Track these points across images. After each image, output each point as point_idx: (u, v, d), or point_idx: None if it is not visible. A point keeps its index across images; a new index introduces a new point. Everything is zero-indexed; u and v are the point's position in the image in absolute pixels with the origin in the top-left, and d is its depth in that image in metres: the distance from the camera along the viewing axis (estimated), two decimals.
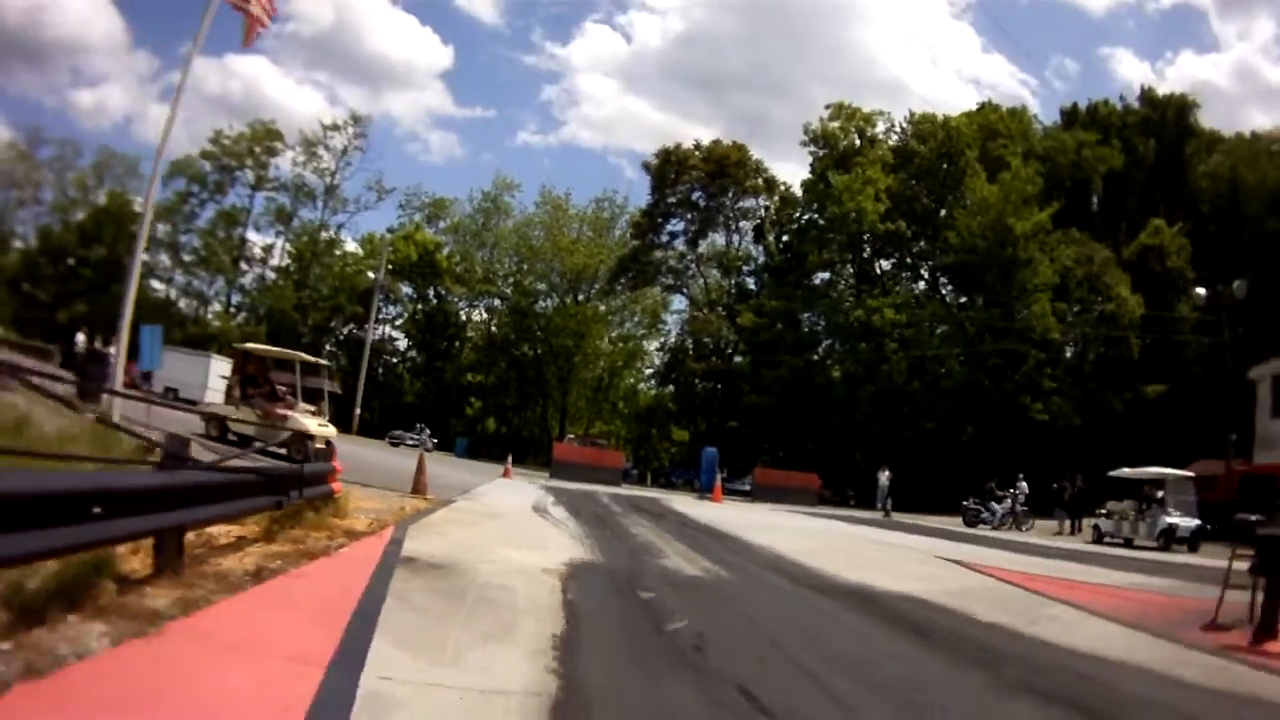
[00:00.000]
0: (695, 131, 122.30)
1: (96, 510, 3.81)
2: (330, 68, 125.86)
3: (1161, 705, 4.60)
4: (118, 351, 14.98)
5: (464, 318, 55.98)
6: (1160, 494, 20.41)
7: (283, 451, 13.73)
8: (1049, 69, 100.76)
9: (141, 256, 18.33)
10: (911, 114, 45.14)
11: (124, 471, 5.35)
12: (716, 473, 31.25)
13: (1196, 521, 19.62)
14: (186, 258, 57.86)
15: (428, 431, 41.98)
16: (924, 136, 43.27)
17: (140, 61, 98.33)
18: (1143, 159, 49.71)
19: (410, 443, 39.01)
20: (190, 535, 5.30)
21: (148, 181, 22.00)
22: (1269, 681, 5.34)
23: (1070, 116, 52.36)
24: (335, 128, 57.27)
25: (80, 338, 34.25)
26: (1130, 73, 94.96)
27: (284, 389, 15.73)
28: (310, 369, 16.36)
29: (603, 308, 52.82)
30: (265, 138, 57.13)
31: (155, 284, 59.05)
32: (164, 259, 58.43)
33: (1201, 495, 21.55)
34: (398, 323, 56.41)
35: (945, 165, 42.11)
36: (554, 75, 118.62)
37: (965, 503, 24.68)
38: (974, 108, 49.53)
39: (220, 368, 35.77)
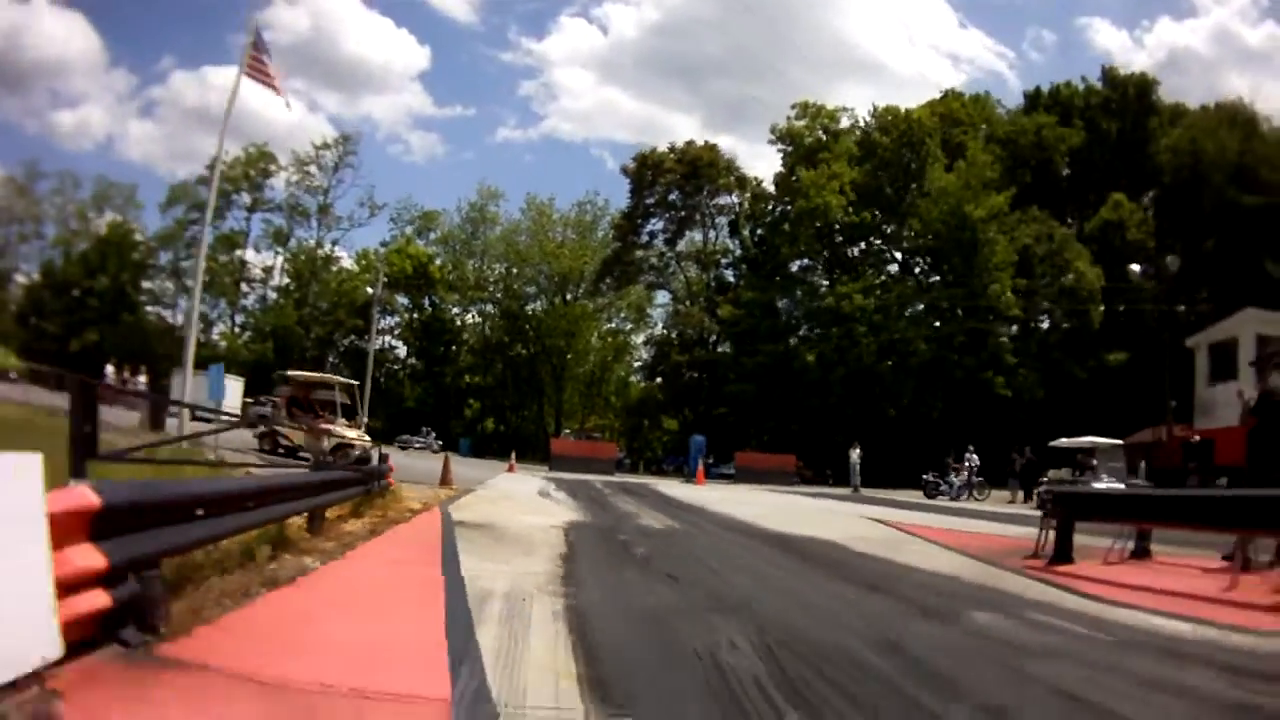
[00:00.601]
0: (675, 120, 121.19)
1: (285, 495, 6.96)
2: (308, 75, 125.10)
3: (926, 585, 7.70)
4: (183, 384, 18.18)
5: (459, 323, 59.14)
6: (1094, 461, 23.61)
7: (307, 458, 16.88)
8: (1026, 41, 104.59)
9: (199, 298, 21.35)
10: (875, 107, 48.59)
11: (294, 473, 8.55)
12: (694, 455, 34.69)
13: (1123, 485, 22.84)
14: (189, 282, 61.03)
15: (433, 434, 45.36)
16: (886, 129, 46.57)
17: (118, 80, 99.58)
18: (1106, 136, 53.14)
19: (418, 445, 42.39)
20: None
21: (204, 229, 24.81)
22: (1031, 585, 8.08)
23: (1033, 99, 55.63)
24: (326, 146, 60.43)
25: (110, 369, 37.17)
26: (1108, 42, 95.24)
27: (323, 407, 18.96)
28: (345, 389, 19.61)
29: (591, 306, 56.01)
30: (260, 160, 60.25)
31: (162, 310, 62.87)
32: (169, 285, 61.94)
33: (1149, 460, 24.69)
34: (396, 331, 59.63)
35: (907, 155, 45.41)
36: (531, 70, 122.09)
37: (924, 476, 27.96)
38: (938, 96, 53.17)
39: (236, 387, 38.95)
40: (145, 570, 3.80)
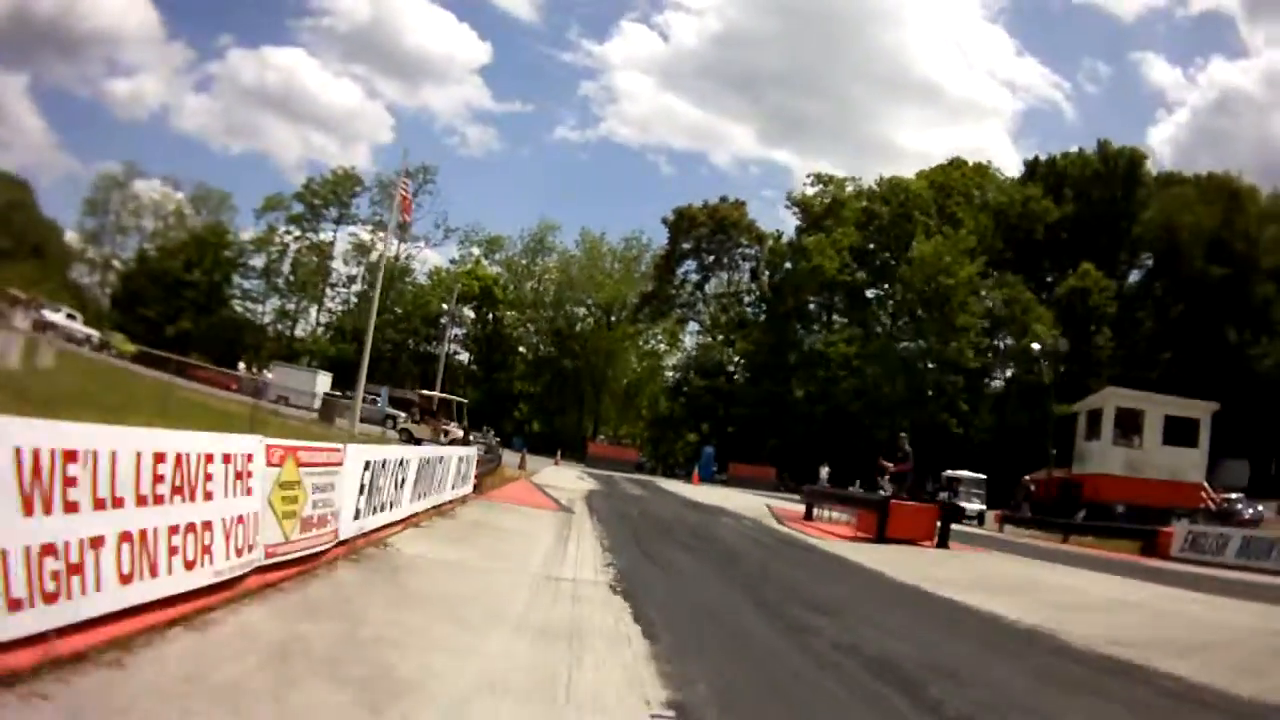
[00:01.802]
0: (732, 129, 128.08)
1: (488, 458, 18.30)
2: (368, 61, 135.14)
3: (731, 515, 18.95)
4: (356, 391, 29.71)
5: (515, 336, 70.35)
6: (960, 487, 34.29)
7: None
8: (1081, 72, 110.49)
9: (372, 328, 32.82)
10: (881, 178, 59.32)
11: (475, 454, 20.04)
12: (708, 465, 45.88)
13: (981, 506, 33.50)
14: (279, 283, 72.83)
15: (492, 432, 56.57)
16: (887, 198, 57.24)
17: (175, 53, 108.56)
18: (1096, 206, 62.10)
19: (480, 442, 53.88)
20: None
21: (375, 294, 35.62)
22: (775, 524, 19.27)
23: (1032, 167, 65.32)
24: (409, 174, 72.03)
25: (241, 366, 48.61)
26: (1162, 78, 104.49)
27: (441, 413, 30.41)
28: (456, 402, 31.10)
29: (631, 330, 66.65)
30: (347, 182, 72.02)
31: (250, 305, 74.67)
32: (258, 284, 73.65)
33: (1034, 494, 35.21)
34: (461, 340, 70.76)
35: (901, 225, 55.97)
36: (591, 72, 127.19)
37: (849, 487, 38.69)
38: (946, 160, 63.57)
39: (324, 381, 50.22)
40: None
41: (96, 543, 3.55)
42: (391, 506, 8.73)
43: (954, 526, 17.60)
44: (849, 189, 58.38)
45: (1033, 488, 35.38)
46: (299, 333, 72.68)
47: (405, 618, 5.51)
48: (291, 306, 73.19)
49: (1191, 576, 14.69)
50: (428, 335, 66.67)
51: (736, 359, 58.32)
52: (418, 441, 29.79)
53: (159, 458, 4.03)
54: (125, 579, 3.76)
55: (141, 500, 3.87)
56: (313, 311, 73.44)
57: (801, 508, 22.21)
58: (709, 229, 58.95)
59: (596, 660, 5.09)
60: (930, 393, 50.68)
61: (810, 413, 49.04)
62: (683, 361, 64.44)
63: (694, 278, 61.89)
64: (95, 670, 3.42)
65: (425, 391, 33.61)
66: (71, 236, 72.55)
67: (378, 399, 44.40)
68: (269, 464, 5.37)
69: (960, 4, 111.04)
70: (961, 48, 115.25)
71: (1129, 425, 33.95)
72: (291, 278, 72.14)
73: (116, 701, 3.24)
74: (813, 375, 51.30)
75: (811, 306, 56.71)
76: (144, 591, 3.92)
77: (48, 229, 72.15)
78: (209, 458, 4.52)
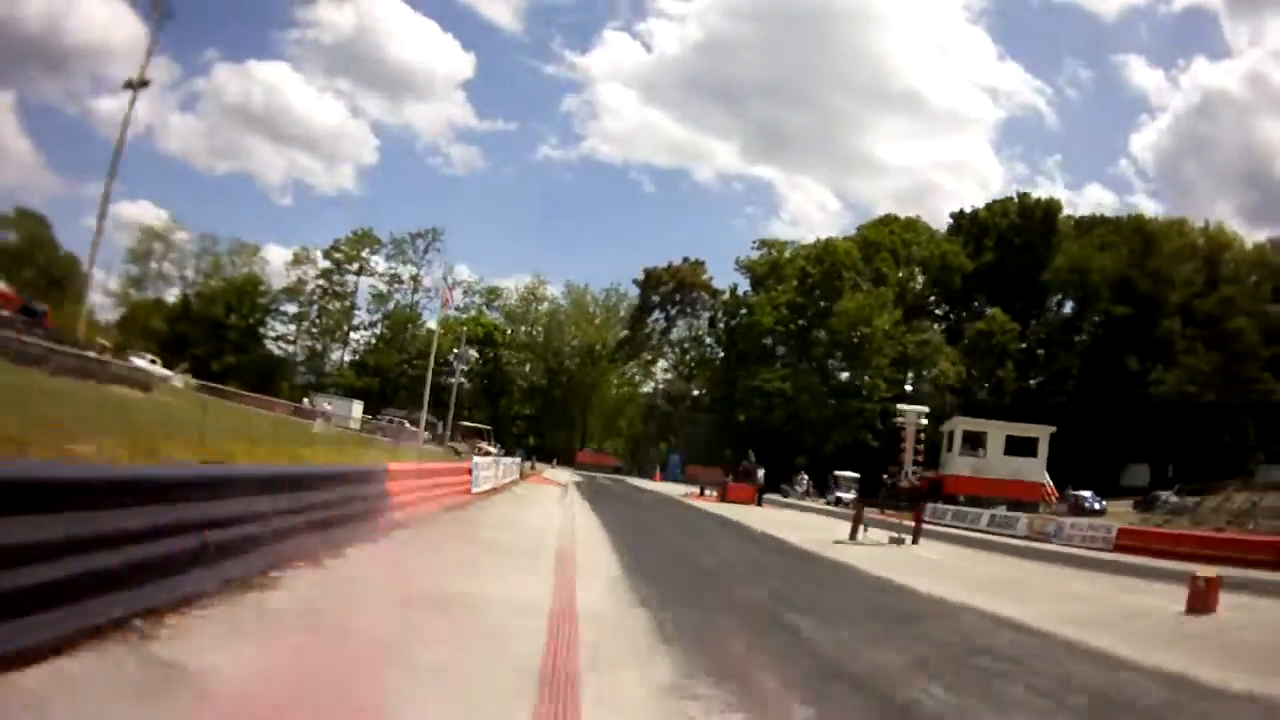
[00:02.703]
0: (714, 145, 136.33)
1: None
2: (352, 75, 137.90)
3: (655, 494, 34.00)
4: (421, 422, 44.33)
5: (512, 371, 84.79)
6: (841, 483, 49.15)
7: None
8: (1063, 77, 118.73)
9: (439, 368, 47.58)
10: (817, 240, 74.60)
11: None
12: (674, 468, 60.63)
13: (853, 495, 48.26)
14: (308, 326, 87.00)
15: (500, 446, 71.18)
16: (821, 258, 72.20)
17: (161, 69, 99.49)
18: (1016, 253, 75.92)
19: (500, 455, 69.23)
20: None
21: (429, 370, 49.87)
22: (694, 505, 34.37)
23: (958, 220, 79.84)
24: (419, 236, 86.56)
25: (306, 401, 62.77)
26: (1144, 80, 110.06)
27: (478, 437, 45.26)
28: (487, 431, 45.89)
29: (610, 365, 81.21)
30: (366, 241, 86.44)
31: (282, 345, 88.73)
32: (289, 328, 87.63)
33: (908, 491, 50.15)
34: (467, 373, 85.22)
35: (830, 281, 70.91)
36: (575, 85, 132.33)
37: (783, 485, 53.35)
38: (879, 215, 78.82)
39: (358, 408, 64.34)
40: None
41: (436, 487, 18.63)
42: (492, 480, 23.58)
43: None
44: (788, 253, 73.41)
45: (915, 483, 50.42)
46: (326, 368, 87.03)
47: (505, 510, 20.51)
48: (320, 346, 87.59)
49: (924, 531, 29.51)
50: (439, 370, 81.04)
51: (694, 391, 73.44)
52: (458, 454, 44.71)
53: (451, 470, 19.14)
54: (439, 497, 18.83)
55: (438, 479, 18.99)
56: (335, 350, 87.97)
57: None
58: (672, 286, 74.28)
59: (581, 517, 20.49)
60: (852, 416, 65.39)
61: (750, 433, 63.61)
62: (654, 391, 79.25)
63: (662, 325, 76.87)
64: (449, 513, 18.43)
65: (465, 423, 48.50)
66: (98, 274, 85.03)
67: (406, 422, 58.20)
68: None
69: (942, 11, 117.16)
70: (943, 54, 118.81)
71: (975, 442, 49.26)
72: (318, 320, 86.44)
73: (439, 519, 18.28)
74: (753, 404, 66.08)
75: (764, 345, 71.23)
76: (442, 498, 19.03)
77: (68, 263, 77.82)
78: (452, 470, 19.62)
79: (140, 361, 48.58)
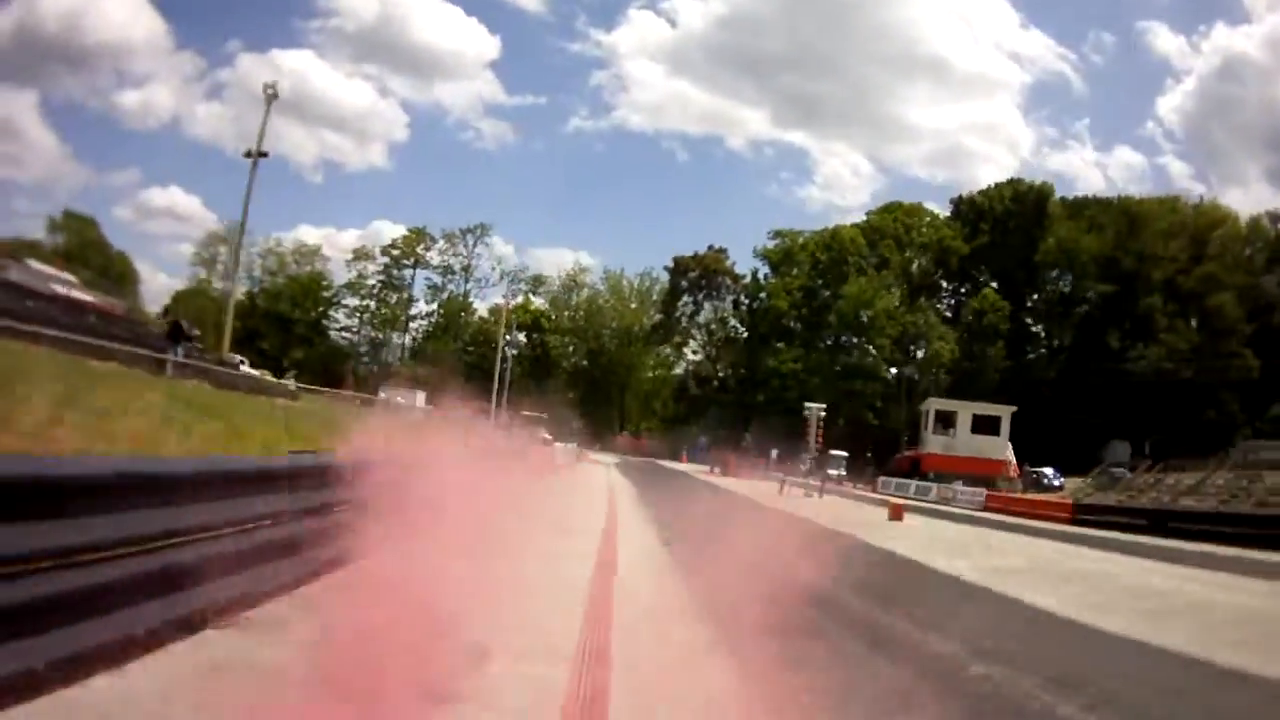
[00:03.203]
0: (745, 114, 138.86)
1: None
2: (378, 60, 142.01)
3: (679, 473, 44.01)
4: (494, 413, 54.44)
5: (558, 355, 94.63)
6: (832, 460, 58.56)
7: None
8: (1087, 44, 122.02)
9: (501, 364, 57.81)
10: (825, 229, 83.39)
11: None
12: (698, 450, 70.41)
13: (843, 471, 57.29)
14: (369, 318, 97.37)
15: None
16: (829, 245, 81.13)
17: (185, 62, 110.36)
18: (1011, 235, 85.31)
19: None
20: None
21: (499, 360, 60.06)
22: (701, 477, 44.26)
23: (957, 205, 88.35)
24: (469, 231, 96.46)
25: (382, 394, 73.32)
26: (1166, 45, 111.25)
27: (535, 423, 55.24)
28: (542, 419, 55.81)
29: (644, 349, 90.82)
30: (420, 239, 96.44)
31: (346, 336, 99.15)
32: (352, 320, 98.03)
33: (888, 462, 59.56)
34: (515, 358, 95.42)
35: (838, 267, 79.90)
36: (601, 62, 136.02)
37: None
38: (884, 204, 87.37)
39: (421, 397, 74.40)
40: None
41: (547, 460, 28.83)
42: (562, 459, 33.70)
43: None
44: (801, 240, 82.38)
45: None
46: (386, 356, 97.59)
47: (582, 475, 30.59)
48: (380, 337, 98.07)
49: (872, 499, 39.29)
50: (489, 356, 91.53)
51: (720, 372, 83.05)
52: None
53: (547, 452, 29.37)
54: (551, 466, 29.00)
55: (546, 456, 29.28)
56: (395, 338, 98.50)
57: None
58: (698, 273, 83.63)
59: (618, 478, 30.63)
60: (857, 395, 74.61)
61: (768, 413, 73.05)
62: (684, 373, 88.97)
63: (690, 309, 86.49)
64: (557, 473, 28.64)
65: (526, 413, 58.46)
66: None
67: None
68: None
69: None
70: (967, 21, 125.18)
71: (946, 422, 57.42)
72: (379, 311, 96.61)
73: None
74: (770, 385, 75.62)
75: (783, 325, 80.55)
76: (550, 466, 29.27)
77: (121, 261, 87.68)
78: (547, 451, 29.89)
79: (245, 368, 54.14)
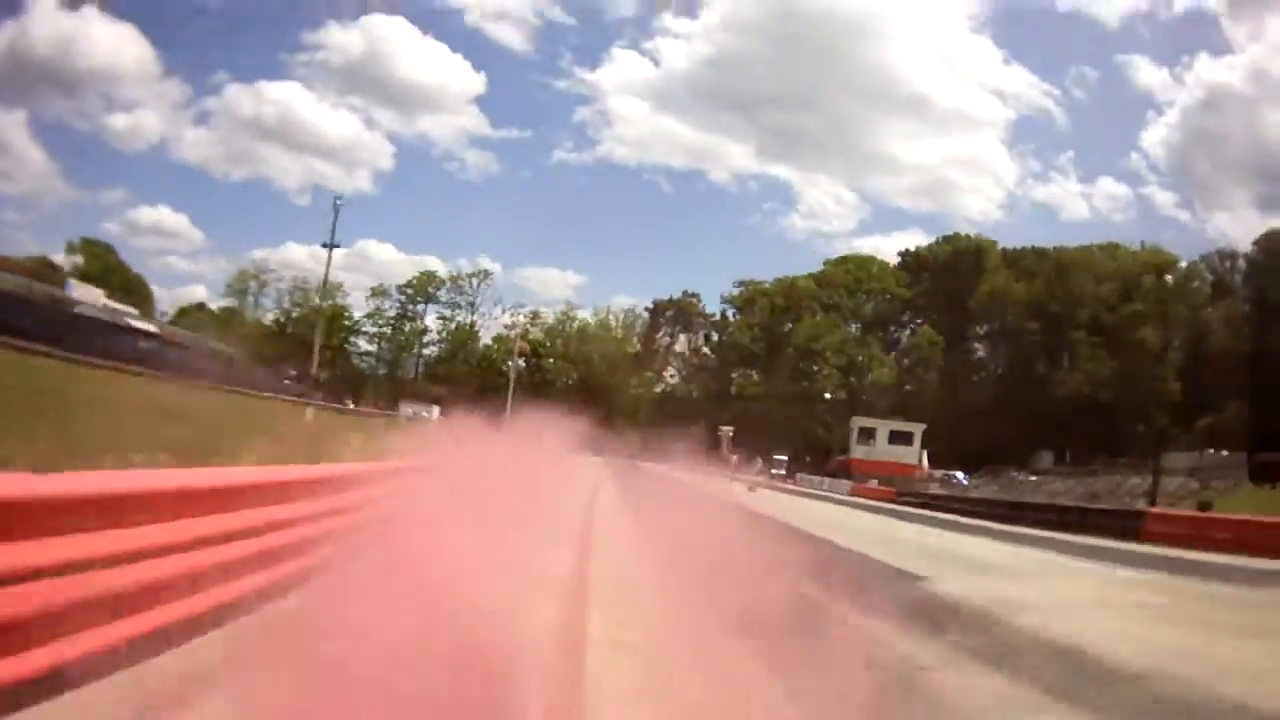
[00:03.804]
0: (729, 148, 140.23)
1: None
2: (363, 93, 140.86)
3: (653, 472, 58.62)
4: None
5: (553, 378, 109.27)
6: (775, 462, 73.32)
7: None
8: (1069, 78, 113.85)
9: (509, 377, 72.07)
10: (783, 278, 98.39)
11: None
12: (674, 456, 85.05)
13: (783, 471, 72.06)
14: (384, 344, 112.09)
15: None
16: (785, 294, 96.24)
17: (172, 89, 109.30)
18: (953, 282, 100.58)
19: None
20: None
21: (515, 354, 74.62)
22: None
23: (904, 257, 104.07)
24: (474, 275, 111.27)
25: (403, 408, 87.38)
26: (1149, 79, 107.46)
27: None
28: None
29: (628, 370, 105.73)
30: (430, 281, 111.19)
31: (367, 361, 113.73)
32: (371, 346, 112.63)
33: (825, 464, 74.51)
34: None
35: (793, 310, 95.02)
36: (586, 98, 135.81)
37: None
38: (838, 255, 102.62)
39: (436, 410, 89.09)
40: None
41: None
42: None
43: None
44: (762, 288, 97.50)
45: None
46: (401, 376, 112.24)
47: (573, 469, 45.12)
48: (398, 360, 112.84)
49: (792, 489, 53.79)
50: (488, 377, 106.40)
51: (694, 394, 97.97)
52: None
53: None
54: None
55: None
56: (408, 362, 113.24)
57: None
58: (674, 312, 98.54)
59: (604, 470, 45.09)
60: (808, 417, 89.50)
61: (733, 426, 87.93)
62: (662, 392, 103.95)
63: (667, 341, 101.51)
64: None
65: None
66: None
67: None
68: None
69: (946, 17, 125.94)
70: (948, 59, 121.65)
71: (868, 435, 73.05)
72: (394, 339, 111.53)
73: None
74: (734, 404, 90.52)
75: (745, 356, 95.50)
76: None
77: (140, 285, 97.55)
78: None
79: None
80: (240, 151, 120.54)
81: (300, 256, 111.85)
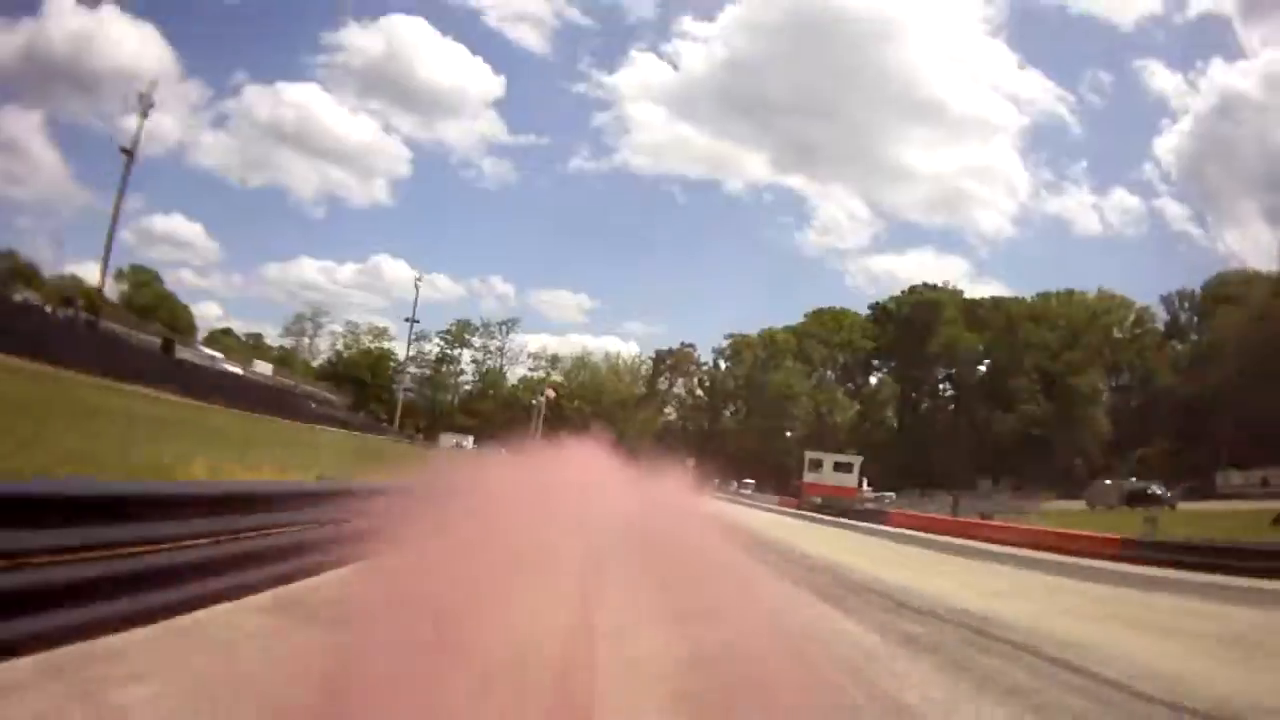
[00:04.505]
0: (745, 157, 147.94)
1: None
2: (383, 96, 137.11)
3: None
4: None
5: (570, 415, 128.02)
6: (744, 485, 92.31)
7: None
8: (1084, 84, 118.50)
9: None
10: (767, 331, 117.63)
11: None
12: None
13: (751, 491, 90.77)
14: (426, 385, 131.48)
15: None
16: (765, 345, 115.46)
17: (192, 90, 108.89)
18: (909, 334, 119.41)
19: None
20: None
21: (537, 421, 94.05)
22: None
23: (874, 309, 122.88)
24: (502, 324, 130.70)
25: (444, 438, 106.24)
26: (1164, 84, 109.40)
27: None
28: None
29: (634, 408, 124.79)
30: (465, 329, 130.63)
31: (409, 395, 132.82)
32: (414, 385, 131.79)
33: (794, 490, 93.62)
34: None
35: (771, 361, 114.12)
36: (604, 103, 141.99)
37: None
38: (811, 310, 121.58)
39: (470, 439, 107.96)
40: None
41: None
42: None
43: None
44: (747, 340, 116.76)
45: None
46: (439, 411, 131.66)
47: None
48: (436, 397, 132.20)
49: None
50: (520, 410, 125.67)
51: (689, 429, 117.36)
52: None
53: None
54: None
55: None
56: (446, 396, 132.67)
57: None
58: (672, 362, 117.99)
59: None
60: (778, 452, 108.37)
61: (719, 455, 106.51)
62: (661, 430, 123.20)
63: (666, 384, 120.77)
64: None
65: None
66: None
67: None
68: None
69: (961, 22, 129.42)
70: (965, 64, 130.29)
71: (817, 465, 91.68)
72: (433, 379, 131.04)
73: None
74: (715, 440, 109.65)
75: (730, 398, 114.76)
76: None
77: (184, 314, 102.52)
78: None
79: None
80: (257, 157, 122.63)
81: (312, 272, 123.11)
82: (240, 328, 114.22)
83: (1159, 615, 14.97)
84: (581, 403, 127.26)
